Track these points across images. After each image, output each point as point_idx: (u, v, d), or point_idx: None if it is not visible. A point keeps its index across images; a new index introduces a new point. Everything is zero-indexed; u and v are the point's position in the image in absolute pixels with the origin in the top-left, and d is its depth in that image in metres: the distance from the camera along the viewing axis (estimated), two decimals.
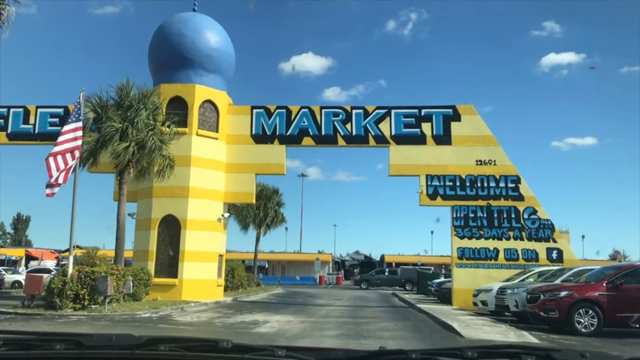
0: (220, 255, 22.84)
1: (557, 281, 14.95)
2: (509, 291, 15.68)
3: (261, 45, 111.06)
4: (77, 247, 51.14)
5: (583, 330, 12.19)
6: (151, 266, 20.90)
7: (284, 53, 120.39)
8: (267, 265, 59.87)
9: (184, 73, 22.09)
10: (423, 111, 22.58)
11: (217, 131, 22.45)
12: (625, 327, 12.65)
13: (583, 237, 64.11)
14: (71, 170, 14.48)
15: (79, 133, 14.63)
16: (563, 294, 12.68)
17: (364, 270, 54.61)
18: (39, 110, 22.97)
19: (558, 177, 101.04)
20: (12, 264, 53.77)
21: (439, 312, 16.96)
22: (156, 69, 22.87)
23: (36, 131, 22.73)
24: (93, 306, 14.84)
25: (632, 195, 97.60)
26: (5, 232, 79.51)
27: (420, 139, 22.27)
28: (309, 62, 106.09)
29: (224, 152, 22.68)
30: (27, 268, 41.74)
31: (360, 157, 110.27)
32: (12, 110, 23.00)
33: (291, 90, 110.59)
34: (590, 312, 12.30)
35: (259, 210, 36.49)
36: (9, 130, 22.83)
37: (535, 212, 21.24)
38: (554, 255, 20.83)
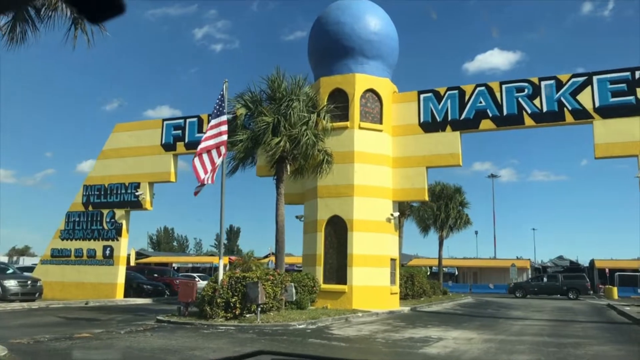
0: (393, 260, 20.53)
1: None
2: None
3: (443, 47, 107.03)
4: (272, 254, 53.65)
5: None
6: (319, 271, 19.54)
7: (467, 53, 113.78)
8: (456, 272, 56.18)
9: (343, 63, 20.42)
10: (637, 73, 17.62)
11: (381, 122, 20.29)
12: None
13: None
14: (217, 169, 13.58)
15: (224, 127, 13.71)
16: None
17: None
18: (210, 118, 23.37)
19: None
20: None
21: None
22: (315, 63, 21.58)
23: None
24: (247, 315, 13.66)
25: None
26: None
27: (635, 109, 17.35)
28: (495, 59, 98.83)
29: (390, 145, 20.38)
30: None
31: (560, 154, 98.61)
32: (187, 120, 23.87)
33: None
34: None
35: (439, 211, 33.41)
36: (186, 140, 23.62)
37: None
38: None
